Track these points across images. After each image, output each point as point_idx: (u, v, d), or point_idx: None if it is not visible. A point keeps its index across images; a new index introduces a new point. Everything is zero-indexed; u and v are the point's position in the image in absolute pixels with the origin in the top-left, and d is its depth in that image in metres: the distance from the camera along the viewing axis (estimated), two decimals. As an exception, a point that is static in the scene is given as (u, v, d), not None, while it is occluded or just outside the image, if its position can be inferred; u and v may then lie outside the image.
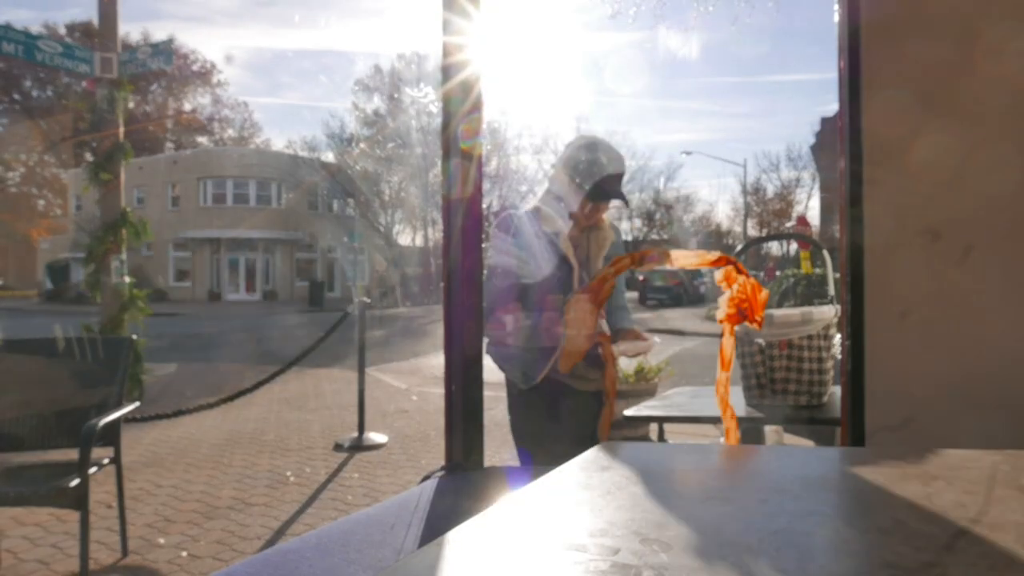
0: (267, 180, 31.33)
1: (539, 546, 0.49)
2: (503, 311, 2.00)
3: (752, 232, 36.75)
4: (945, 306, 1.14)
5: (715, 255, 1.16)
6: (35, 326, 14.61)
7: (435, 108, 27.65)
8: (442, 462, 1.23)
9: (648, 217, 37.42)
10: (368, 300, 5.48)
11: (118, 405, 2.84)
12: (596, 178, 2.05)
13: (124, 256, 6.67)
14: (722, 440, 1.15)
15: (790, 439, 3.21)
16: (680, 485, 0.66)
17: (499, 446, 5.13)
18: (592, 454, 0.73)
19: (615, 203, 2.17)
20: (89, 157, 7.83)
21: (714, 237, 38.34)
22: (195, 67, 39.89)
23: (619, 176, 2.12)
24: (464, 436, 1.21)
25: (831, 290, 2.23)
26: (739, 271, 1.13)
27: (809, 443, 3.45)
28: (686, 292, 25.89)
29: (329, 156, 31.56)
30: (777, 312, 2.04)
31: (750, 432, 2.09)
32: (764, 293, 1.14)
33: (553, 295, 2.01)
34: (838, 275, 1.55)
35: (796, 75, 55.78)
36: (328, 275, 32.46)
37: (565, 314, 1.78)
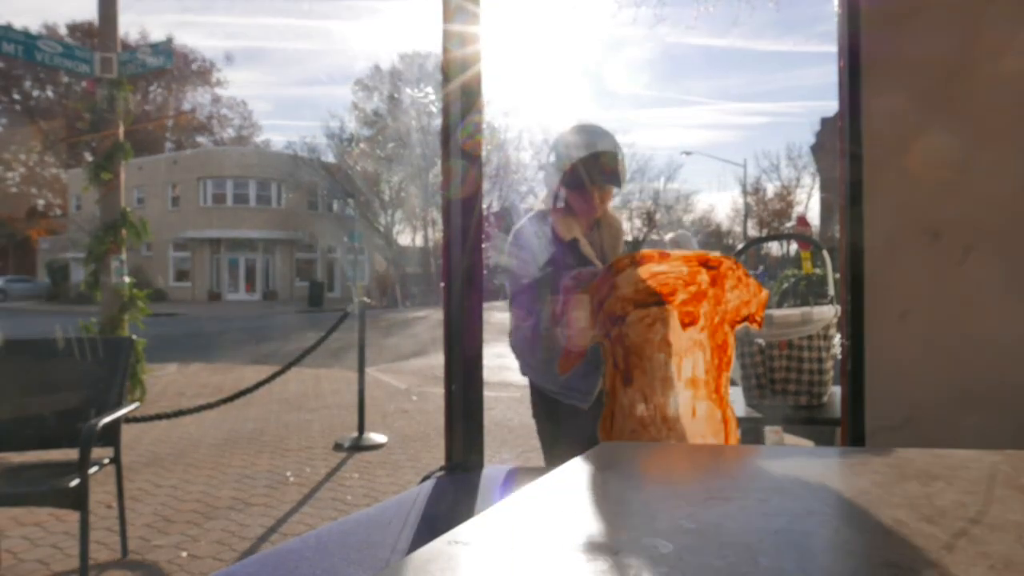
0: (267, 180, 31.32)
1: (539, 546, 0.49)
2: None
3: (752, 232, 36.76)
4: (945, 306, 1.14)
5: (715, 256, 1.16)
6: (35, 326, 14.61)
7: (435, 108, 27.65)
8: (442, 462, 1.23)
9: (648, 217, 37.40)
10: (368, 300, 5.48)
11: (118, 405, 2.84)
12: (590, 159, 1.93)
13: (124, 256, 6.67)
14: (722, 440, 1.15)
15: (790, 439, 3.20)
16: (680, 485, 0.66)
17: (499, 446, 5.13)
18: (592, 454, 0.73)
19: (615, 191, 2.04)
20: (89, 157, 7.83)
21: (714, 237, 38.33)
22: (194, 66, 39.93)
23: (612, 154, 1.99)
24: (464, 436, 1.22)
25: (831, 290, 2.23)
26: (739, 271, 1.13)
27: (809, 443, 3.44)
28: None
29: (329, 156, 31.59)
30: (777, 312, 2.03)
31: (750, 432, 2.08)
32: (764, 293, 1.14)
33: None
34: (838, 275, 1.55)
35: (796, 74, 55.88)
36: (328, 275, 32.47)
37: (563, 314, 1.76)
